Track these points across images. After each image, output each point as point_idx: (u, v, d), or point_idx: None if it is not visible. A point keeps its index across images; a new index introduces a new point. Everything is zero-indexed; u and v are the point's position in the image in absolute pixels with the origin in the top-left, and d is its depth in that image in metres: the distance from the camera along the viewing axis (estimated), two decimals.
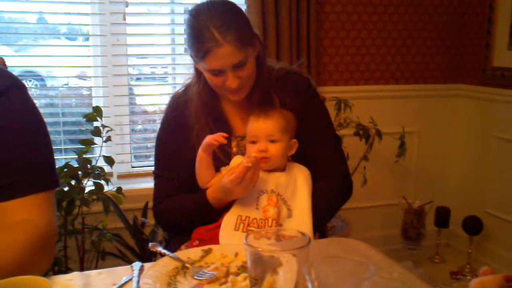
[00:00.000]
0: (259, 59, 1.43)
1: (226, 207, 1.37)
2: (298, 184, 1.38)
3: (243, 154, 1.43)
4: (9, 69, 1.28)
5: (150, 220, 2.31)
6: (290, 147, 1.40)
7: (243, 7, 2.66)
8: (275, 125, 1.36)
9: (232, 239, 1.28)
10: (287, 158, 1.41)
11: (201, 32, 1.31)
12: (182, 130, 1.46)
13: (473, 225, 2.91)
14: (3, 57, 1.38)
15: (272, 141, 1.35)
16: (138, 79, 2.86)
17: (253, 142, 1.36)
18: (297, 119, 1.44)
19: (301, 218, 1.34)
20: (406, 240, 2.99)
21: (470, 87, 3.09)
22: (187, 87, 1.51)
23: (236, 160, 1.38)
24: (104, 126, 2.21)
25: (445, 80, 3.17)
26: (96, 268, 2.25)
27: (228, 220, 1.33)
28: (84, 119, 2.25)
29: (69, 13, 2.56)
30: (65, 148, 2.56)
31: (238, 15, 1.37)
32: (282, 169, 1.40)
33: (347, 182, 1.55)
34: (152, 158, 1.59)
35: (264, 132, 1.35)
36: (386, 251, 1.24)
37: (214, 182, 1.39)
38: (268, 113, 1.38)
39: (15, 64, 2.48)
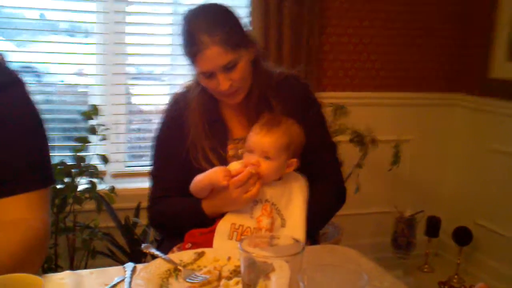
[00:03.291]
0: (255, 63, 1.43)
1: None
2: (293, 194, 1.38)
3: (239, 157, 1.43)
4: (9, 64, 1.27)
5: (142, 220, 2.31)
6: (287, 165, 1.36)
7: (246, 10, 2.66)
8: (272, 143, 1.32)
9: (225, 246, 1.27)
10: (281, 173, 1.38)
11: (189, 36, 1.34)
12: (180, 131, 1.45)
13: (463, 236, 2.93)
14: (3, 53, 1.38)
15: (267, 158, 1.32)
16: (135, 78, 2.84)
17: (249, 152, 1.35)
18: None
19: (294, 228, 1.33)
20: (396, 249, 3.00)
21: (468, 97, 3.10)
22: (188, 88, 1.51)
23: (233, 166, 1.37)
24: (100, 125, 2.20)
25: (443, 89, 3.19)
26: (86, 266, 2.24)
27: (222, 228, 1.32)
28: (80, 116, 2.24)
29: (73, 11, 2.55)
30: (59, 145, 2.54)
31: (227, 17, 1.37)
32: (278, 178, 1.39)
33: (341, 190, 1.55)
34: (146, 158, 1.59)
35: (260, 147, 1.32)
36: (376, 259, 1.25)
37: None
38: (271, 128, 1.33)
39: (16, 59, 2.46)
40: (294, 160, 1.37)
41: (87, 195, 2.20)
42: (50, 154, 1.16)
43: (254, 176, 1.29)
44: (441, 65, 3.15)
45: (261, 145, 1.32)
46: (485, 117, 2.99)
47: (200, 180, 1.36)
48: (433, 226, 3.05)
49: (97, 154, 2.26)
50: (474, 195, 3.06)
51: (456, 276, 2.94)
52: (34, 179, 1.09)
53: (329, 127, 1.63)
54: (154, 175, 1.52)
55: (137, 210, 2.37)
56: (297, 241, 0.93)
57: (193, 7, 1.39)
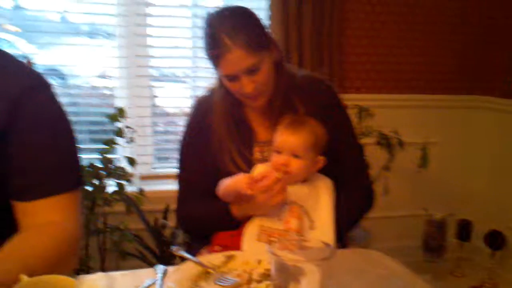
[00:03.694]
0: (278, 65, 1.43)
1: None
2: (321, 195, 1.37)
3: (266, 160, 1.43)
4: (34, 67, 1.28)
5: (171, 222, 2.33)
6: (314, 163, 1.36)
7: (266, 13, 2.66)
8: (301, 142, 1.32)
9: (254, 249, 1.27)
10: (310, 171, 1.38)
11: (212, 39, 1.32)
12: (206, 134, 1.46)
13: (495, 240, 2.86)
14: (29, 56, 1.40)
15: (296, 156, 1.32)
16: (158, 80, 2.85)
17: (277, 152, 1.36)
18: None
19: (323, 230, 1.33)
20: (427, 252, 2.95)
21: (495, 99, 3.04)
22: (212, 91, 1.52)
23: (258, 169, 1.37)
24: (127, 127, 2.23)
25: (467, 91, 3.13)
26: (116, 267, 2.27)
27: (250, 230, 1.32)
28: (106, 119, 2.27)
29: (95, 13, 2.58)
30: (86, 147, 2.57)
31: (249, 20, 1.36)
32: (305, 180, 1.39)
33: (369, 193, 1.54)
34: (174, 160, 1.59)
35: (289, 146, 1.32)
36: (406, 262, 1.22)
37: None
38: (298, 127, 1.34)
39: (40, 62, 2.50)
40: (321, 158, 1.37)
41: (116, 197, 2.23)
42: (79, 155, 1.17)
43: (279, 181, 1.29)
44: (465, 67, 3.09)
45: (289, 143, 1.32)
46: (510, 119, 2.92)
47: (225, 186, 1.37)
48: (464, 230, 2.99)
49: (125, 157, 2.29)
50: (504, 198, 2.99)
51: (489, 281, 2.87)
52: (65, 181, 1.09)
53: (355, 129, 1.61)
54: (182, 178, 1.53)
55: (166, 212, 2.39)
56: (327, 245, 0.92)
57: (215, 10, 1.38)
